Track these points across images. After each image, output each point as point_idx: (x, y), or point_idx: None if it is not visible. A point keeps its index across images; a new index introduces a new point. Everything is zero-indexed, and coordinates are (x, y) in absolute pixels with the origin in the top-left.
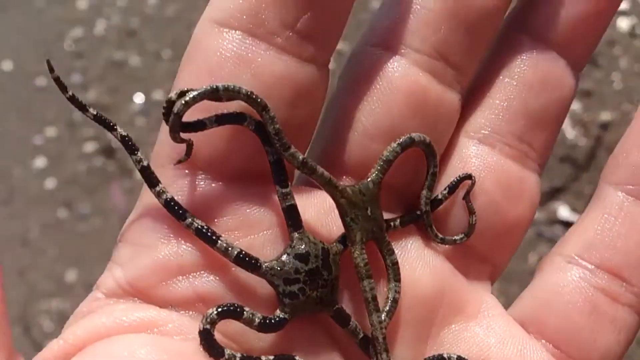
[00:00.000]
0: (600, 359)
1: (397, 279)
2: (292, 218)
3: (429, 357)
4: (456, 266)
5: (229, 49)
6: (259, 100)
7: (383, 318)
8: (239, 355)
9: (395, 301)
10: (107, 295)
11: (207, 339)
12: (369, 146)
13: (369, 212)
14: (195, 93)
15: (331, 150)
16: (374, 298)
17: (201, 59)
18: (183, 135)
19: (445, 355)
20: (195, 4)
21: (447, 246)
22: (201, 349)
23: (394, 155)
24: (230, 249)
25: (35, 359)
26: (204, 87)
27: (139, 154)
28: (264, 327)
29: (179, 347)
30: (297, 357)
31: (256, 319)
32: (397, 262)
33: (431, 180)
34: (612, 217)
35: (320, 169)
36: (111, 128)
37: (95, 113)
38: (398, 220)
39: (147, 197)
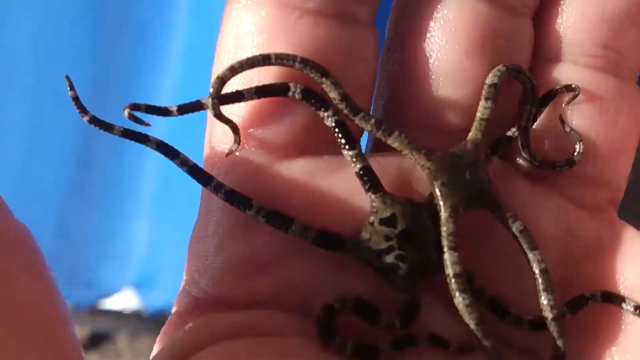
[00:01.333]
0: None
1: (533, 247)
2: (368, 181)
3: (569, 301)
4: (569, 197)
5: (259, 23)
6: (317, 66)
7: (545, 299)
8: (350, 343)
9: (545, 273)
10: (184, 314)
11: (325, 317)
12: (436, 94)
13: (467, 176)
14: (243, 59)
15: (393, 108)
16: (458, 275)
17: (232, 39)
18: (226, 114)
19: (587, 295)
20: None
21: (551, 178)
22: (307, 339)
23: (489, 112)
24: (306, 229)
25: None
26: (255, 55)
27: (182, 155)
28: (405, 321)
29: (281, 344)
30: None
31: (397, 321)
32: (524, 229)
33: (532, 94)
34: None
35: (397, 131)
36: (145, 139)
37: (122, 129)
38: (488, 150)
39: (206, 198)
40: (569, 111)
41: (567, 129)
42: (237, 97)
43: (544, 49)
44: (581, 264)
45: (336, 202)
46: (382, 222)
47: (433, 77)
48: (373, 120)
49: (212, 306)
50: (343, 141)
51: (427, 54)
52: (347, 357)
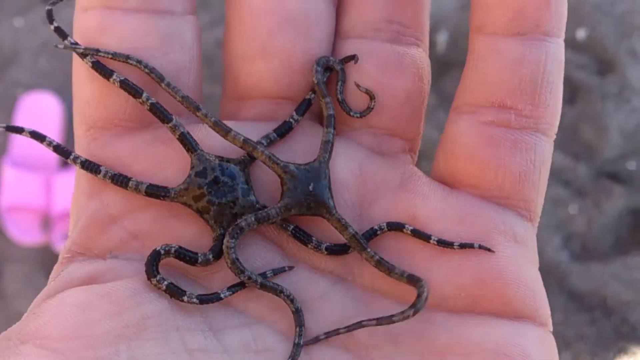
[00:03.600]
0: (516, 181)
1: (363, 248)
2: (186, 144)
3: (363, 233)
4: (369, 147)
5: (93, 25)
6: (197, 106)
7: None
8: (167, 281)
9: (379, 263)
10: (61, 262)
11: (152, 258)
12: (251, 68)
13: (310, 187)
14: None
15: (227, 84)
16: (238, 229)
17: (78, 34)
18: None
19: (375, 227)
20: None
21: (355, 133)
22: (128, 284)
23: (332, 136)
24: (139, 185)
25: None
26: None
27: (48, 138)
28: (216, 254)
29: (106, 287)
30: (222, 295)
31: (210, 256)
32: (355, 234)
33: (342, 72)
34: (481, 58)
35: (261, 147)
36: (20, 130)
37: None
38: (294, 115)
39: (76, 169)
40: (362, 76)
41: (362, 89)
42: (82, 55)
43: (341, 27)
44: (375, 201)
45: (171, 164)
46: (197, 174)
47: (246, 54)
48: (242, 138)
49: (80, 256)
50: (161, 117)
51: (240, 35)
52: (162, 291)
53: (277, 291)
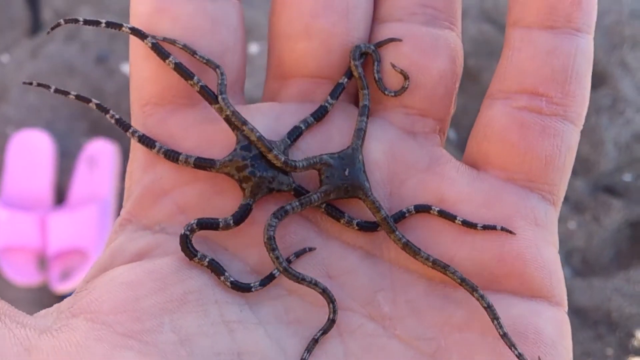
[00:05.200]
0: (542, 165)
1: (393, 230)
2: (232, 122)
3: (392, 215)
4: (401, 127)
5: (149, 6)
6: (265, 142)
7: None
8: (208, 258)
9: (405, 245)
10: (115, 231)
11: (184, 242)
12: (294, 47)
13: (346, 172)
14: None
15: (272, 61)
16: (280, 212)
17: (135, 17)
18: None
19: (404, 210)
20: None
21: (389, 113)
22: (172, 261)
23: (364, 124)
24: (189, 158)
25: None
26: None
27: (111, 111)
28: (237, 220)
29: (153, 265)
30: (252, 289)
31: (230, 221)
32: (386, 216)
33: (376, 54)
34: (516, 49)
35: (299, 162)
36: (88, 100)
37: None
38: (329, 99)
39: (131, 145)
40: (398, 57)
41: (398, 70)
42: (144, 36)
43: (379, 12)
44: (405, 181)
45: (218, 143)
46: (242, 148)
47: (290, 34)
48: (282, 159)
49: (130, 225)
50: (208, 99)
51: (285, 17)
52: (204, 267)
53: (299, 279)
